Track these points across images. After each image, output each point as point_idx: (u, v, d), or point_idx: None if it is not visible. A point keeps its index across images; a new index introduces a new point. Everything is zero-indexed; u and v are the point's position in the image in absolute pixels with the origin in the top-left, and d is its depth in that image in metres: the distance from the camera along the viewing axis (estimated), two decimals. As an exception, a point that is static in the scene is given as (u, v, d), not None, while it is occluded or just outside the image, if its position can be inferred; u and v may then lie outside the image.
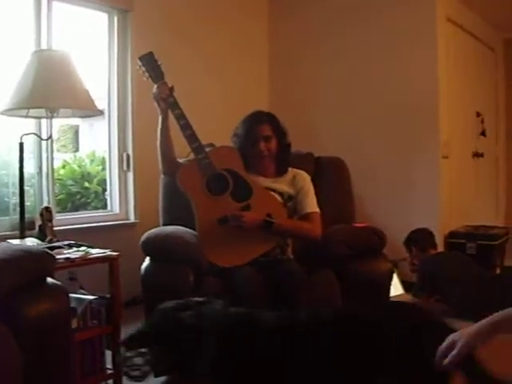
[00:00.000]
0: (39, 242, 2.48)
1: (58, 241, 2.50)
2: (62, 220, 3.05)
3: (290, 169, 2.76)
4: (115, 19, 3.44)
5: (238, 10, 4.28)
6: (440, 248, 3.91)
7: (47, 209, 2.62)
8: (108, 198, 3.52)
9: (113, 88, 3.46)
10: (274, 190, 2.66)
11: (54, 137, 2.97)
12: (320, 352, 1.57)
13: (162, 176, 2.86)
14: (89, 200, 3.96)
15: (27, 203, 2.78)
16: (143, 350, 1.70)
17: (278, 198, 2.65)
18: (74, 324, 2.18)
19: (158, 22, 3.60)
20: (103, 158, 3.79)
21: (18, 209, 2.62)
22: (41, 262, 1.94)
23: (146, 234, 2.59)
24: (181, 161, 2.71)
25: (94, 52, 3.58)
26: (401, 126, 4.15)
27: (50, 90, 2.46)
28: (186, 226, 2.62)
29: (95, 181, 3.98)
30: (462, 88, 4.70)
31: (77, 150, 5.79)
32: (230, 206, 2.54)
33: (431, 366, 1.38)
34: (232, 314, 1.72)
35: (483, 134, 5.22)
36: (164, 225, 2.83)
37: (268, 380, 1.58)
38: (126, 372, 1.73)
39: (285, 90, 4.56)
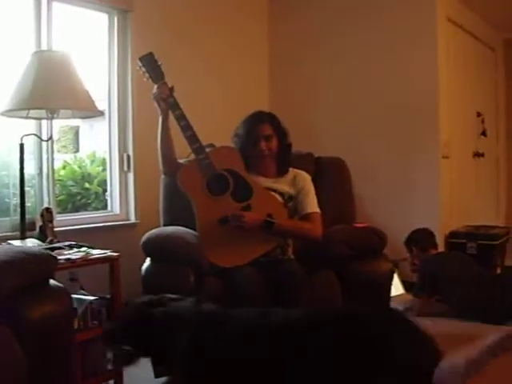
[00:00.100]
0: (40, 242, 2.48)
1: (58, 241, 2.50)
2: (63, 221, 3.04)
3: (290, 169, 2.76)
4: (115, 19, 3.44)
5: (237, 10, 4.27)
6: (440, 248, 3.90)
7: (48, 209, 2.62)
8: (108, 198, 3.51)
9: (113, 88, 3.45)
10: (274, 190, 2.66)
11: (55, 137, 2.96)
12: (320, 352, 1.57)
13: (162, 176, 2.86)
14: (89, 201, 3.94)
15: (28, 204, 2.78)
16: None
17: (279, 198, 2.65)
18: (75, 324, 2.19)
19: (158, 23, 3.60)
20: (103, 159, 3.78)
21: (18, 210, 2.62)
22: (44, 265, 1.94)
23: (146, 235, 2.60)
24: (181, 161, 2.71)
25: (94, 52, 3.57)
26: (401, 126, 4.14)
27: (51, 91, 2.46)
28: (186, 227, 2.63)
29: (96, 181, 3.97)
30: (462, 88, 4.70)
31: (77, 150, 5.77)
32: (231, 206, 2.54)
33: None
34: (202, 311, 1.73)
35: (484, 133, 5.22)
36: (164, 225, 2.83)
37: (240, 379, 1.59)
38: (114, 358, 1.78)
39: (285, 91, 4.55)
